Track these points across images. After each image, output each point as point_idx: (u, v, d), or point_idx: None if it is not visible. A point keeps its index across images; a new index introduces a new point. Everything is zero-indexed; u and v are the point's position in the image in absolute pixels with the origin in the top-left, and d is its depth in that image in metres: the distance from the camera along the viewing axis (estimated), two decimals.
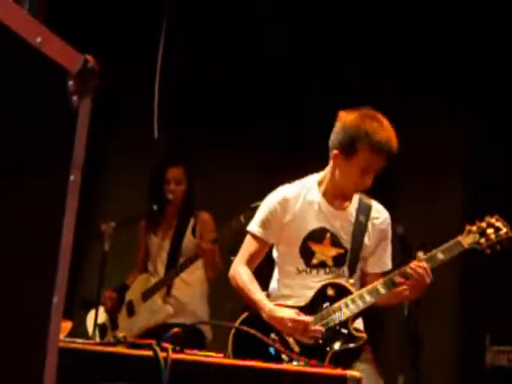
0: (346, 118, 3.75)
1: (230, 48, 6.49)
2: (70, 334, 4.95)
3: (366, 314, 3.85)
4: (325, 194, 3.85)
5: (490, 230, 3.73)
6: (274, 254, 3.95)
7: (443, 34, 5.97)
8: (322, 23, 6.16)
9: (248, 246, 3.91)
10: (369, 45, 6.08)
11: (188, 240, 5.34)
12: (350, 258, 3.81)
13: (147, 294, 5.24)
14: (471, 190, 5.92)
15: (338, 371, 2.69)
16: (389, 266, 3.92)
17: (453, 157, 6.19)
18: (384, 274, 3.85)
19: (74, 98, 1.56)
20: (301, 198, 3.85)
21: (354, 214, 3.86)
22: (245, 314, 3.77)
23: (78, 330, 5.29)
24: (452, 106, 6.11)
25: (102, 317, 5.32)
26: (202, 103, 6.64)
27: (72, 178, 1.57)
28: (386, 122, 3.71)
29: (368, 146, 3.65)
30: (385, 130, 3.67)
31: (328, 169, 3.87)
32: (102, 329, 5.29)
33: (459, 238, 3.72)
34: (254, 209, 4.40)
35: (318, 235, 3.81)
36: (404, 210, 5.64)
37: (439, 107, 6.13)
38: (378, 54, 6.07)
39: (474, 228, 3.74)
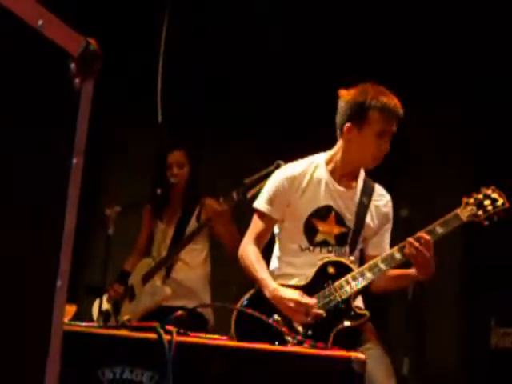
0: (348, 93, 3.79)
1: (232, 37, 6.49)
2: (75, 318, 4.98)
3: (371, 297, 3.85)
4: (332, 173, 3.85)
5: (486, 202, 3.71)
6: (276, 230, 3.94)
7: (440, 29, 5.97)
8: (321, 22, 6.15)
9: (255, 224, 3.90)
10: (368, 42, 6.07)
11: (192, 226, 5.32)
12: (352, 237, 3.81)
13: (147, 277, 5.24)
14: (474, 174, 5.92)
15: (343, 353, 2.69)
16: (387, 250, 3.89)
17: (455, 140, 6.19)
18: None
19: (76, 80, 1.56)
20: (308, 176, 3.84)
21: (358, 195, 3.86)
22: (247, 295, 3.77)
23: (83, 314, 5.30)
24: (453, 93, 6.11)
25: (106, 303, 5.32)
26: (204, 88, 6.63)
27: (75, 161, 1.57)
28: (386, 90, 3.76)
29: (377, 109, 3.68)
30: (387, 94, 3.73)
31: (338, 147, 3.86)
32: (105, 315, 5.28)
33: (457, 210, 3.70)
34: (246, 185, 4.40)
35: (322, 213, 3.81)
36: (408, 194, 5.64)
37: (441, 94, 6.12)
38: (377, 52, 6.06)
39: (471, 200, 3.72)
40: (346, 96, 3.78)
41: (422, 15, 5.97)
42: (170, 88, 6.40)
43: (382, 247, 3.90)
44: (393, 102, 3.70)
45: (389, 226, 3.95)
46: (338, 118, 3.81)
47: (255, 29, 6.32)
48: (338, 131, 3.83)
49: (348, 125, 3.75)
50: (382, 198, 3.93)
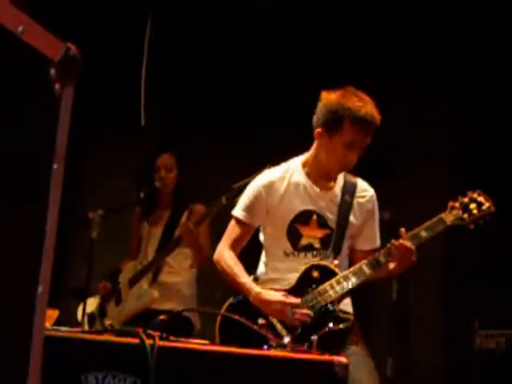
0: (328, 97, 3.77)
1: (218, 34, 6.49)
2: (58, 323, 4.96)
3: (355, 297, 3.86)
4: (309, 175, 3.85)
5: (472, 205, 3.73)
6: (261, 237, 3.94)
7: (428, 27, 6.00)
8: (320, 24, 6.17)
9: (232, 230, 3.90)
10: (366, 44, 6.09)
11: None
12: (335, 238, 3.81)
13: (134, 280, 5.24)
14: (458, 176, 5.93)
15: (325, 357, 2.69)
16: (377, 243, 3.92)
17: (439, 141, 6.20)
18: (373, 251, 3.85)
19: (57, 86, 1.56)
20: (286, 181, 3.84)
21: (339, 194, 3.86)
22: (230, 299, 3.76)
23: (67, 319, 5.28)
24: (438, 94, 6.13)
25: (92, 306, 5.31)
26: (189, 90, 6.63)
27: (55, 166, 1.57)
28: (367, 98, 3.72)
29: (351, 120, 3.65)
30: (366, 105, 3.68)
31: (312, 149, 3.87)
32: (91, 318, 5.28)
33: (442, 214, 3.72)
34: (236, 190, 4.39)
35: (304, 217, 3.81)
36: (390, 196, 5.64)
37: (426, 95, 6.14)
38: (373, 54, 6.08)
39: (457, 204, 3.74)
40: (324, 99, 3.78)
41: (409, 15, 5.99)
42: (159, 91, 6.40)
43: (371, 242, 3.92)
44: (369, 113, 3.66)
45: (374, 219, 3.95)
46: (314, 119, 3.81)
47: (250, 28, 6.33)
48: (314, 132, 3.84)
49: (319, 130, 3.76)
50: (365, 194, 3.92)
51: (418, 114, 6.09)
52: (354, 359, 3.39)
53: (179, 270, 5.30)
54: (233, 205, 4.13)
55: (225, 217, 4.08)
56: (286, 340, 3.51)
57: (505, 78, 5.86)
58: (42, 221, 1.54)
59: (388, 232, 3.94)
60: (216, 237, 4.38)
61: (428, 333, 5.91)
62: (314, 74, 5.96)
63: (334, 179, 3.89)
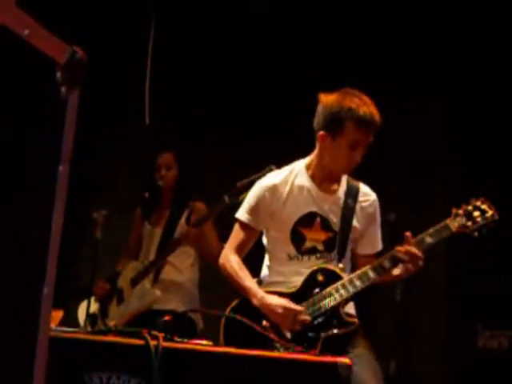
0: (327, 99, 3.76)
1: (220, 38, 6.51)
2: (62, 323, 4.97)
3: (357, 299, 3.86)
4: (313, 178, 3.85)
5: (476, 213, 3.72)
6: (264, 240, 3.94)
7: (423, 27, 6.01)
8: (318, 26, 6.18)
9: (237, 234, 3.89)
10: (352, 37, 6.10)
11: (181, 229, 5.30)
12: (340, 241, 3.80)
13: (136, 280, 5.24)
14: (461, 178, 5.93)
15: (329, 358, 2.70)
16: (379, 247, 3.91)
17: (443, 144, 6.21)
18: (376, 254, 3.86)
19: (63, 89, 1.57)
20: (289, 184, 3.83)
21: (342, 197, 3.85)
22: (235, 301, 3.76)
23: (70, 319, 5.29)
24: (439, 96, 6.14)
25: (93, 306, 5.31)
26: (190, 89, 6.63)
27: (61, 168, 1.58)
28: (366, 98, 3.72)
29: (353, 121, 3.64)
30: (366, 105, 3.67)
31: (315, 152, 3.87)
32: (92, 318, 5.27)
33: (447, 221, 3.71)
34: (239, 188, 4.39)
35: (308, 220, 3.80)
36: (395, 198, 5.65)
37: (428, 96, 6.15)
38: (370, 57, 6.09)
39: (461, 211, 3.73)
40: (323, 101, 3.76)
41: (404, 18, 6.01)
42: (161, 90, 6.41)
43: (373, 246, 3.91)
44: (369, 113, 3.65)
45: (376, 223, 3.93)
46: (315, 123, 3.80)
47: (250, 28, 6.34)
48: (315, 135, 3.83)
49: (322, 133, 3.74)
50: (367, 198, 3.91)
51: (422, 118, 6.11)
52: (360, 361, 3.40)
53: (181, 268, 5.30)
54: (237, 203, 4.13)
55: (230, 216, 4.08)
56: (291, 343, 3.50)
57: (499, 78, 5.86)
58: (48, 222, 1.55)
59: (393, 233, 3.94)
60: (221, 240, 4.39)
61: (431, 333, 5.91)
62: (314, 73, 5.96)
63: (338, 181, 3.89)
